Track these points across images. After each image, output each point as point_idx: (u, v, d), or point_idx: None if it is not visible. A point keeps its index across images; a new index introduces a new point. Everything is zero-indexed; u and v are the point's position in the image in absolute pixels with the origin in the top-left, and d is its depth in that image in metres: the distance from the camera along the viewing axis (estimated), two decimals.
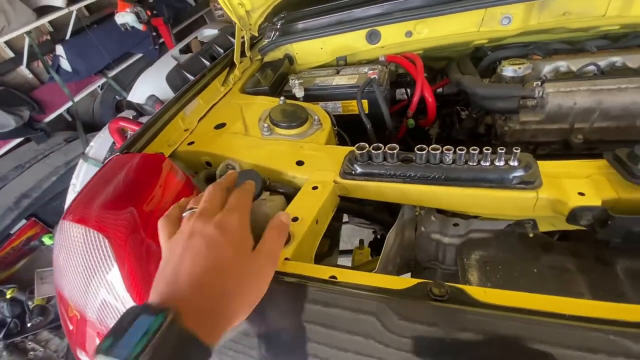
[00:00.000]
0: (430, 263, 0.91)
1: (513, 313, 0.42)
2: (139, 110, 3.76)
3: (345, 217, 1.39)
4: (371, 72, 1.12)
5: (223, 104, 1.14)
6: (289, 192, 0.81)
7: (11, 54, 3.65)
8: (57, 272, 0.69)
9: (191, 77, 2.42)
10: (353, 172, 0.78)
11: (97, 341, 0.64)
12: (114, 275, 0.59)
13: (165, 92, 3.56)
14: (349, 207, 1.02)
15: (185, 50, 4.47)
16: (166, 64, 4.15)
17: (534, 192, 0.64)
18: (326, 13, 1.28)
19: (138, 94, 4.00)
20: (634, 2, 0.98)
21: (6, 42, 3.48)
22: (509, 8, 1.04)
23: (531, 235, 0.71)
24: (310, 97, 1.18)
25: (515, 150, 0.64)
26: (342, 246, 1.34)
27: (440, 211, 0.85)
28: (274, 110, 0.99)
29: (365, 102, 1.14)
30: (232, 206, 0.52)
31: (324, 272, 0.54)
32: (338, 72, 1.25)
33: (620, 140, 0.93)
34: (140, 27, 4.01)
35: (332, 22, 1.26)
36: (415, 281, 0.48)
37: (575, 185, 0.62)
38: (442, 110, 1.34)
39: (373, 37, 1.25)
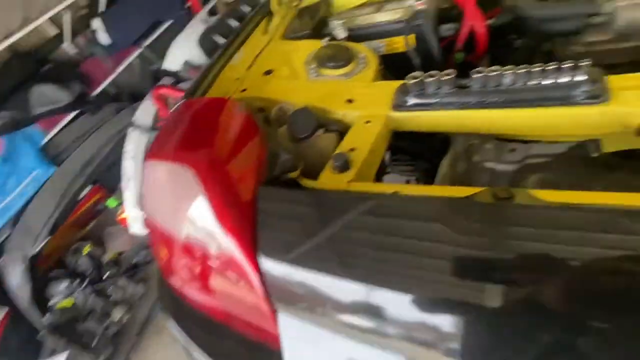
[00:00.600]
0: None
1: (578, 211, 0.44)
2: (176, 77, 3.88)
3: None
4: (418, 3, 1.07)
5: (268, 52, 1.16)
6: (342, 130, 0.84)
7: (55, 31, 3.84)
8: (150, 208, 0.79)
9: (222, 40, 2.42)
10: (406, 104, 0.78)
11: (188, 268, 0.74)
12: (201, 202, 0.67)
13: (200, 57, 3.62)
14: (399, 144, 1.03)
15: (214, 11, 4.42)
16: (196, 28, 4.16)
17: (602, 107, 0.61)
18: None
19: (172, 61, 4.09)
20: None
21: (50, 19, 3.65)
22: None
23: (595, 155, 0.70)
24: (353, 37, 1.16)
25: (584, 63, 0.61)
26: None
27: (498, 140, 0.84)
28: (318, 52, 1.00)
29: (412, 37, 1.10)
30: None
31: (387, 188, 0.58)
32: (380, 9, 1.20)
33: None
34: None
35: None
36: (478, 189, 0.51)
37: None
38: (494, 43, 1.25)
39: None
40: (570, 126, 0.67)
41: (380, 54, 1.18)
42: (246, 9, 2.32)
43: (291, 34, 1.21)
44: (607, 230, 0.42)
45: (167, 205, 0.74)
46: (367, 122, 0.79)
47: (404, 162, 1.11)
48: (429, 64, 1.10)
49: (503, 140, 0.81)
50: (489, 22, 1.23)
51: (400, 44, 1.11)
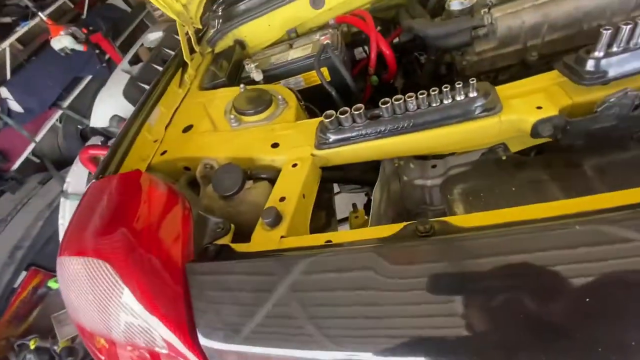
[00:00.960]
0: (420, 208, 0.96)
1: (492, 230, 0.46)
2: (105, 134, 3.64)
3: (337, 187, 1.42)
4: (323, 37, 1.11)
5: (185, 106, 1.12)
6: (273, 176, 0.83)
7: None
8: (72, 309, 0.70)
9: (148, 87, 2.35)
10: (327, 142, 0.79)
11: None
12: (127, 296, 0.61)
13: (127, 109, 3.44)
14: (333, 175, 1.04)
15: (135, 60, 4.27)
16: (119, 79, 3.98)
17: (497, 117, 0.67)
18: None
19: (99, 117, 3.86)
20: None
21: None
22: None
23: (504, 157, 0.75)
24: (269, 77, 1.17)
25: (471, 82, 0.67)
26: (341, 214, 1.38)
27: (418, 157, 0.88)
28: (236, 100, 0.98)
29: (325, 70, 1.13)
30: None
31: (319, 239, 0.57)
32: (292, 46, 1.23)
33: (572, 48, 0.95)
34: (81, 47, 3.80)
35: None
36: (402, 225, 0.51)
37: (533, 101, 0.65)
38: (403, 59, 1.34)
39: (317, 2, 1.22)
40: (475, 138, 0.72)
41: (301, 87, 1.20)
42: (171, 52, 2.26)
43: (208, 83, 1.19)
44: (520, 250, 0.44)
45: (90, 303, 0.66)
46: (294, 165, 0.79)
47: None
48: (348, 92, 1.13)
49: (422, 158, 0.85)
50: (395, 40, 1.33)
51: (317, 76, 1.14)
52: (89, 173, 2.97)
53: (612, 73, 0.60)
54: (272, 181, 0.81)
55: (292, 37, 1.31)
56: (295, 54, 1.16)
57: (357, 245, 0.51)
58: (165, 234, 0.64)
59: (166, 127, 1.04)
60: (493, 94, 0.69)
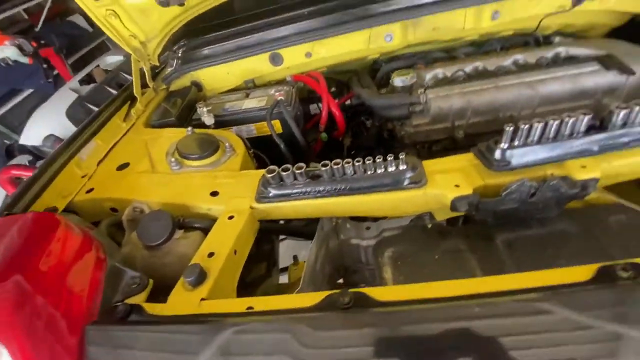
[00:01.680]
0: (357, 266, 0.97)
1: (405, 306, 0.48)
2: (36, 153, 3.28)
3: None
4: (278, 93, 1.16)
5: (126, 142, 1.07)
6: (207, 226, 0.79)
7: None
8: None
9: (96, 109, 2.23)
10: (268, 196, 0.80)
11: None
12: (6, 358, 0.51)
13: (67, 130, 3.18)
14: (274, 227, 1.03)
15: (88, 80, 4.07)
16: (64, 98, 3.72)
17: (422, 190, 0.73)
18: (226, 39, 1.29)
19: (32, 134, 3.51)
20: (482, 18, 1.19)
21: None
22: (388, 27, 1.17)
23: (429, 226, 0.81)
24: (221, 123, 1.18)
25: (401, 156, 0.73)
26: (289, 261, 1.34)
27: (355, 218, 0.92)
28: (181, 142, 0.96)
29: (277, 123, 1.18)
30: None
31: (241, 304, 0.54)
32: (248, 95, 1.27)
33: (492, 131, 1.11)
34: (25, 60, 3.54)
35: (232, 47, 1.28)
36: (325, 294, 0.51)
37: (453, 179, 0.72)
38: (352, 121, 1.44)
39: (276, 60, 1.30)
40: (404, 206, 0.77)
41: (253, 136, 1.22)
42: (129, 77, 2.19)
43: (155, 121, 1.16)
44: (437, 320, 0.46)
45: None
46: (231, 217, 0.77)
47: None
48: (297, 145, 1.17)
49: (359, 219, 0.89)
50: (347, 102, 1.43)
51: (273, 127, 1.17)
52: (6, 195, 2.62)
53: (514, 162, 0.70)
54: (206, 232, 0.77)
55: (249, 86, 1.36)
56: (250, 103, 1.20)
57: (278, 315, 0.50)
58: (70, 287, 0.57)
59: (99, 163, 0.97)
60: (420, 168, 0.76)
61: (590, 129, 0.70)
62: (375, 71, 1.40)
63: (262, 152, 1.20)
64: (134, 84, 1.22)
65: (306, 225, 1.04)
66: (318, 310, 0.49)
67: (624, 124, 0.69)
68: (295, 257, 1.24)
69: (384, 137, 1.29)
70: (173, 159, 0.92)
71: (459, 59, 1.28)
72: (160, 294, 0.65)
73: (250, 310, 0.53)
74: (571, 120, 0.68)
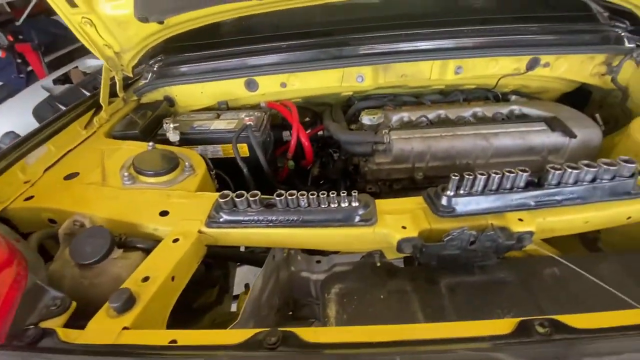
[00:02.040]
0: (307, 300, 0.96)
1: (335, 350, 0.47)
2: None
3: None
4: (247, 118, 1.17)
5: (81, 150, 1.03)
6: (150, 247, 0.76)
7: None
8: None
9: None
10: (218, 221, 0.78)
11: None
12: None
13: (31, 128, 3.02)
14: (226, 253, 1.00)
15: (63, 80, 3.95)
16: (34, 95, 3.57)
17: (372, 228, 0.74)
18: (204, 60, 1.31)
19: None
20: (447, 71, 1.28)
21: None
22: (360, 69, 1.24)
23: (379, 264, 0.82)
24: (187, 140, 1.16)
25: (353, 193, 0.75)
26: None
27: (306, 250, 0.91)
28: (138, 157, 0.94)
29: (244, 146, 1.18)
30: None
31: (164, 337, 0.51)
32: (219, 116, 1.27)
33: (448, 175, 1.16)
34: None
35: (209, 69, 1.29)
36: (253, 332, 0.50)
37: (401, 220, 0.74)
38: (322, 151, 1.47)
39: (251, 86, 1.32)
40: (354, 243, 0.78)
41: (219, 157, 1.21)
42: None
43: (118, 132, 1.13)
44: None
45: None
46: (175, 240, 0.74)
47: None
48: (261, 171, 1.18)
49: (311, 252, 0.88)
50: (320, 133, 1.46)
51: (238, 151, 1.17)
52: None
53: (459, 209, 0.73)
54: (149, 253, 0.74)
55: (222, 108, 1.37)
56: (219, 124, 1.20)
57: (199, 351, 0.47)
58: None
59: (46, 169, 0.93)
60: (372, 207, 0.77)
61: (529, 185, 0.75)
62: (350, 107, 1.46)
63: (227, 174, 1.19)
64: (101, 91, 1.19)
65: (260, 252, 1.02)
66: (243, 348, 0.47)
67: (558, 183, 0.75)
68: (247, 285, 1.20)
69: (349, 171, 1.32)
70: (126, 173, 0.89)
71: (425, 105, 1.37)
72: (85, 318, 0.60)
73: (172, 344, 0.50)
74: (511, 176, 0.73)
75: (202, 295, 1.07)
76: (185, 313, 0.98)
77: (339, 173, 1.31)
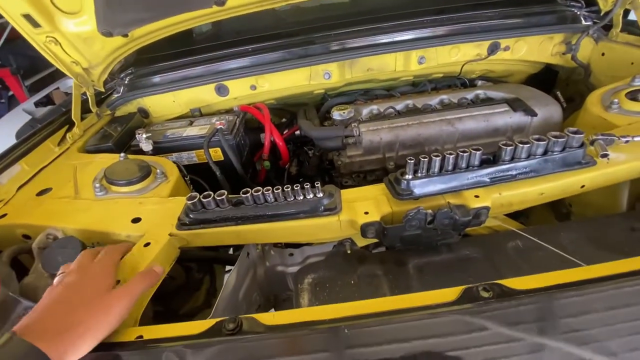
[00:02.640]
0: (285, 294, 0.98)
1: (295, 330, 0.49)
2: None
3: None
4: (218, 122, 1.20)
5: (54, 167, 1.04)
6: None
7: None
8: None
9: None
10: (188, 222, 0.80)
11: None
12: None
13: None
14: (205, 255, 1.02)
15: (46, 102, 3.94)
16: (16, 119, 3.57)
17: (337, 217, 0.77)
18: (173, 69, 1.33)
19: None
20: (410, 61, 1.32)
21: None
22: (326, 66, 1.27)
23: (349, 251, 0.84)
24: (160, 149, 1.18)
25: (316, 184, 0.77)
26: None
27: (279, 244, 0.93)
28: (109, 169, 0.96)
29: (218, 150, 1.20)
30: (99, 257, 0.65)
31: (131, 334, 0.53)
32: (192, 123, 1.30)
33: None
34: None
35: (179, 77, 1.32)
36: (214, 321, 0.52)
37: (363, 206, 0.77)
38: (299, 149, 1.49)
39: (222, 91, 1.35)
40: (322, 232, 0.81)
41: (194, 162, 1.23)
42: None
43: (91, 146, 1.15)
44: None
45: None
46: (147, 244, 0.76)
47: None
48: (236, 175, 1.20)
49: (280, 246, 0.91)
50: (297, 133, 1.49)
51: (210, 155, 1.19)
52: None
53: (417, 192, 0.76)
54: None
55: (195, 115, 1.39)
56: (191, 131, 1.22)
57: (163, 343, 0.49)
58: None
59: (19, 187, 0.94)
60: (336, 196, 0.80)
61: (484, 163, 0.79)
62: (320, 106, 1.48)
63: (204, 178, 1.21)
64: (72, 108, 1.21)
65: (235, 252, 1.04)
66: (203, 336, 0.49)
67: (512, 159, 0.78)
68: None
69: (325, 167, 1.35)
70: (98, 185, 0.91)
71: (394, 97, 1.40)
72: None
73: (138, 340, 0.52)
74: (465, 155, 0.76)
75: (189, 301, 1.09)
76: (173, 320, 1.00)
77: (314, 170, 1.34)
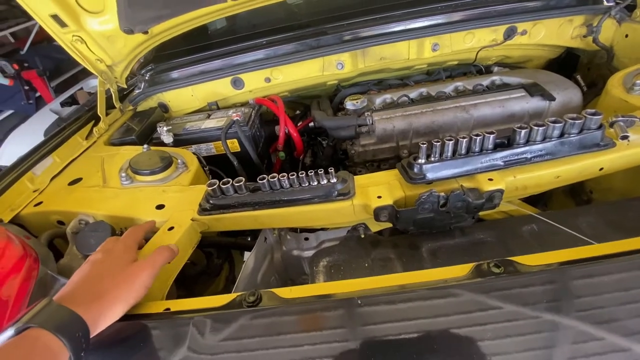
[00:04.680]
0: (302, 278, 1.01)
1: (311, 303, 0.52)
2: None
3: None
4: (235, 114, 1.23)
5: (83, 159, 1.11)
6: (149, 237, 0.82)
7: None
8: None
9: None
10: (209, 208, 0.84)
11: None
12: None
13: None
14: (226, 241, 1.06)
15: (70, 102, 4.11)
16: (44, 118, 3.75)
17: (350, 201, 0.79)
18: (191, 64, 1.38)
19: (8, 154, 3.48)
20: (424, 49, 1.31)
21: None
22: (339, 56, 1.28)
23: (363, 236, 0.86)
24: (180, 141, 1.23)
25: (330, 170, 0.79)
26: None
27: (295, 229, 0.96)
28: (134, 159, 1.01)
29: (235, 142, 1.24)
30: (122, 237, 0.70)
31: (159, 306, 0.58)
32: (209, 116, 1.34)
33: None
34: (6, 81, 3.58)
35: (196, 72, 1.36)
36: (235, 295, 0.55)
37: (377, 191, 0.78)
38: (314, 140, 1.51)
39: (238, 84, 1.38)
40: (336, 217, 0.83)
41: (212, 154, 1.28)
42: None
43: (116, 139, 1.21)
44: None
45: None
46: (171, 228, 0.80)
47: None
48: (253, 164, 1.23)
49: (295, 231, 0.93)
50: (311, 124, 1.51)
51: (228, 145, 1.23)
52: None
53: (430, 176, 0.77)
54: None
55: (212, 108, 1.43)
56: (209, 124, 1.26)
57: (188, 314, 0.53)
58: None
59: (52, 178, 1.01)
60: (350, 182, 0.82)
61: (498, 146, 0.78)
62: (334, 97, 1.50)
63: (222, 169, 1.25)
64: (98, 104, 1.27)
65: (254, 240, 1.08)
66: (225, 308, 0.52)
67: (527, 142, 0.78)
68: None
69: (339, 157, 1.36)
70: (124, 174, 0.96)
71: (408, 86, 1.40)
72: None
73: (166, 311, 0.56)
74: (479, 138, 0.76)
75: (210, 286, 1.14)
76: None
77: (329, 159, 1.36)
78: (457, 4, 1.28)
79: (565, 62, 1.58)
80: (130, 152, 1.09)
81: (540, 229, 0.81)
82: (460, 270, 0.52)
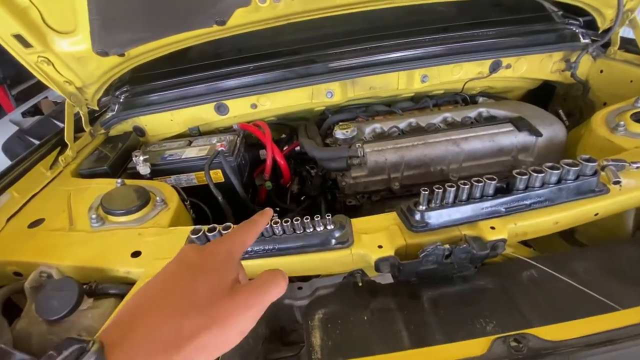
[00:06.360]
0: (293, 326, 0.94)
1: None
2: None
3: None
4: (219, 144, 1.16)
5: (47, 194, 0.99)
6: (124, 292, 0.73)
7: None
8: None
9: (37, 143, 2.08)
10: None
11: None
12: None
13: (2, 165, 2.91)
14: None
15: (34, 112, 3.84)
16: (3, 130, 3.46)
17: (349, 250, 0.74)
18: (171, 88, 1.30)
19: None
20: (413, 80, 1.31)
21: None
22: (328, 85, 1.25)
23: (360, 284, 0.81)
24: (158, 172, 1.14)
25: (327, 216, 0.74)
26: None
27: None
28: (106, 197, 0.91)
29: (219, 172, 1.16)
30: (226, 236, 0.47)
31: None
32: (190, 143, 1.26)
33: (425, 182, 1.18)
34: None
35: (177, 96, 1.28)
36: None
37: (377, 239, 0.74)
38: (301, 167, 1.46)
39: (222, 109, 1.31)
40: (333, 266, 0.78)
41: (194, 185, 1.19)
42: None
43: (85, 169, 1.10)
44: None
45: None
46: None
47: None
48: (237, 195, 1.16)
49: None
50: (297, 149, 1.46)
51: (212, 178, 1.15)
52: None
53: (432, 223, 0.74)
54: (123, 298, 0.71)
55: (193, 133, 1.35)
56: (190, 152, 1.18)
57: None
58: None
59: (9, 219, 0.89)
60: (347, 227, 0.77)
61: (498, 192, 0.77)
62: (323, 121, 1.46)
63: (204, 200, 1.17)
64: (65, 129, 1.16)
65: None
66: None
67: (526, 188, 0.77)
68: None
69: (327, 186, 1.32)
70: (94, 215, 0.86)
71: (397, 115, 1.38)
72: None
73: None
74: (480, 185, 0.74)
75: None
76: None
77: (317, 189, 1.31)
78: (446, 37, 1.29)
79: (542, 92, 1.64)
80: (102, 186, 0.99)
81: (539, 273, 0.79)
82: (478, 347, 0.48)
